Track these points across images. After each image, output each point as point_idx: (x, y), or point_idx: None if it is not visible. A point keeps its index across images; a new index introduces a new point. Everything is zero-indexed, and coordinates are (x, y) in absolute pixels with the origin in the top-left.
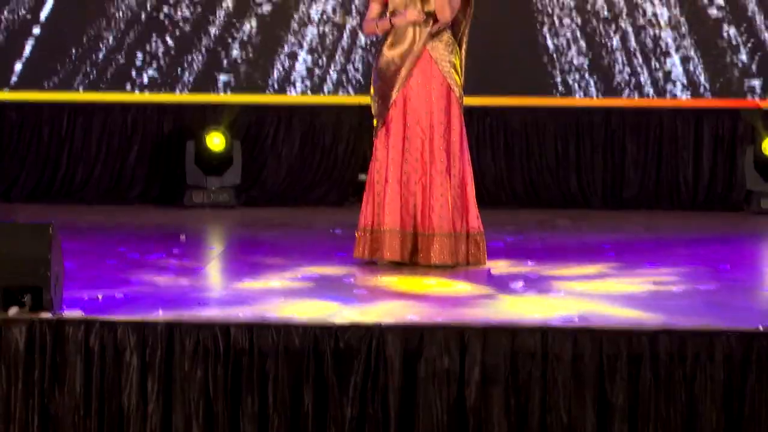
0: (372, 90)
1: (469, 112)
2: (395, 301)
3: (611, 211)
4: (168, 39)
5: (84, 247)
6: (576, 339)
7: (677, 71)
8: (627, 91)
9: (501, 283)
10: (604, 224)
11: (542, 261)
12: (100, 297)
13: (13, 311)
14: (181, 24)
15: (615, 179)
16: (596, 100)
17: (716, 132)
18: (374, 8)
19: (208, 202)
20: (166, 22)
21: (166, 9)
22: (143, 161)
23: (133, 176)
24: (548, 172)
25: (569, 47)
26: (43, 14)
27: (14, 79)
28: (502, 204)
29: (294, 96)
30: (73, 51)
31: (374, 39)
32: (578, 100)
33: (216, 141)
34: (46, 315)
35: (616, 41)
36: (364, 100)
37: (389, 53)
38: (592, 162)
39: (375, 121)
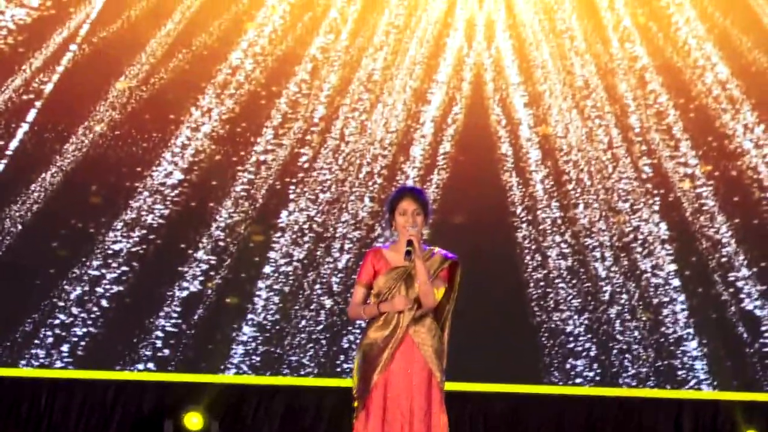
0: (354, 371)
1: (450, 397)
2: None
3: None
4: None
5: None
6: None
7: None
8: (613, 382)
9: None
10: None
11: None
12: None
13: None
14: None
15: None
16: (580, 389)
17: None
18: (359, 292)
19: None
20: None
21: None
22: None
23: None
24: None
25: (558, 335)
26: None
27: None
28: None
29: (277, 377)
30: (55, 328)
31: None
32: (561, 388)
33: (194, 420)
34: None
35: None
36: (345, 382)
37: (373, 335)
38: None
39: (356, 403)
